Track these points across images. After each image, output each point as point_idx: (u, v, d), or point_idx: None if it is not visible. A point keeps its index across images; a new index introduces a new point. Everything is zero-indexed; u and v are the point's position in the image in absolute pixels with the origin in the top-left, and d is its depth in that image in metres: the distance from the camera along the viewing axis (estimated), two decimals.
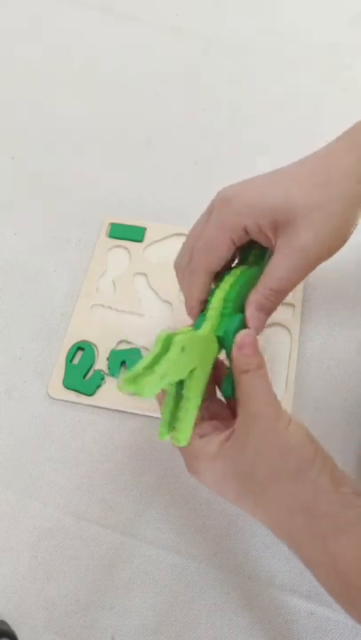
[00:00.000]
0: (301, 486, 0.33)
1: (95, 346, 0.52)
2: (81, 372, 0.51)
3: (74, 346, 0.52)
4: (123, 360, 0.51)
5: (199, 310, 0.40)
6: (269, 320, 0.53)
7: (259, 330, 0.38)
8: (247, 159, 0.63)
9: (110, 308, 0.55)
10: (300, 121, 0.67)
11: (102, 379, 0.51)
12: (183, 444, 0.34)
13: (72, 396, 0.50)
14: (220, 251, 0.38)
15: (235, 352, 0.36)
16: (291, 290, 0.38)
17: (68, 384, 0.50)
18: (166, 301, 0.54)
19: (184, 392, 0.35)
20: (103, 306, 0.55)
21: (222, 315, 0.38)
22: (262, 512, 0.35)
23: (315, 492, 0.33)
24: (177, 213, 0.60)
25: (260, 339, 0.52)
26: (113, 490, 0.46)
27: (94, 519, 0.45)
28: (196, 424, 0.35)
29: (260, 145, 0.65)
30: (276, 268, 0.37)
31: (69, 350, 0.52)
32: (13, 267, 0.58)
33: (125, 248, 0.58)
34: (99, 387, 0.50)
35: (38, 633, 0.42)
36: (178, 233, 0.58)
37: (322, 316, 0.54)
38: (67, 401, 0.50)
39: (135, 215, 0.60)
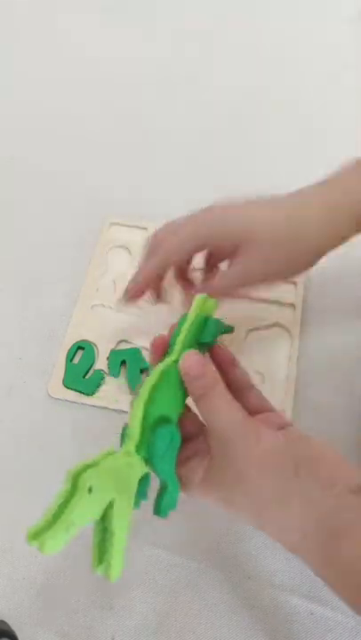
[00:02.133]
0: (288, 506, 0.32)
1: (95, 345, 0.52)
2: (81, 371, 0.51)
3: (74, 345, 0.52)
4: (123, 360, 0.51)
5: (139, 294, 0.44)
6: (270, 320, 0.53)
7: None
8: (247, 159, 0.63)
9: (110, 307, 0.55)
10: (301, 121, 0.67)
11: (102, 378, 0.51)
12: (114, 580, 0.31)
13: (72, 395, 0.50)
14: (181, 254, 0.43)
15: (184, 379, 0.34)
16: (227, 293, 0.43)
17: (68, 383, 0.50)
18: (167, 302, 0.54)
19: (107, 526, 0.31)
20: (103, 306, 0.55)
21: (144, 430, 0.33)
22: (261, 529, 0.34)
23: (305, 505, 0.31)
24: (177, 213, 0.59)
25: (259, 339, 0.53)
26: None
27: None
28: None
29: (260, 145, 0.65)
30: (222, 277, 0.43)
31: (69, 350, 0.52)
32: (13, 267, 0.58)
33: (126, 248, 0.58)
34: (99, 386, 0.50)
35: (38, 633, 0.42)
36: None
37: (322, 317, 0.54)
38: (67, 401, 0.50)
39: (135, 215, 0.60)
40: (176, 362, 0.34)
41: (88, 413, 0.49)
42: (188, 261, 0.45)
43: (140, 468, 0.33)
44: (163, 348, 0.36)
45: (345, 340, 0.53)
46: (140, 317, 0.54)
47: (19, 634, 0.41)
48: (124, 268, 0.57)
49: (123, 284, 0.55)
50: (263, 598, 0.42)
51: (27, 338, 0.54)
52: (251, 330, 0.53)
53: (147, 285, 0.45)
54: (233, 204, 0.43)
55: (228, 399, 0.33)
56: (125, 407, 0.49)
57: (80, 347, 0.52)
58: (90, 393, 0.50)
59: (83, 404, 0.50)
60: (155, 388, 0.33)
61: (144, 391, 0.33)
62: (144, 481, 0.33)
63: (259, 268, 0.42)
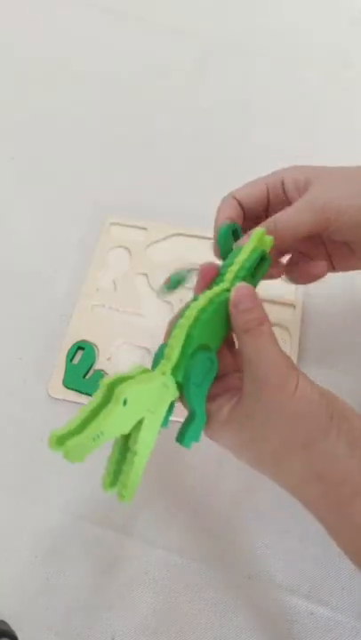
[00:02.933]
0: (314, 456, 0.31)
1: (95, 346, 0.52)
2: (81, 371, 0.51)
3: (74, 345, 0.52)
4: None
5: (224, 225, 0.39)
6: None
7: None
8: (247, 159, 0.63)
9: (111, 308, 0.55)
10: (301, 121, 0.67)
11: (102, 378, 0.50)
12: (128, 501, 0.31)
13: (72, 395, 0.50)
14: (252, 188, 0.40)
15: (232, 311, 0.33)
16: (288, 233, 0.38)
17: (68, 383, 0.50)
18: (167, 301, 0.54)
19: (130, 445, 0.30)
20: (104, 306, 0.55)
21: (184, 353, 0.32)
22: (279, 479, 0.33)
23: (329, 460, 0.31)
24: (177, 213, 0.60)
25: None
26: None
27: (94, 519, 0.45)
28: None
29: (260, 145, 0.65)
30: (286, 208, 0.38)
31: (69, 350, 0.52)
32: (13, 267, 0.58)
33: (126, 248, 0.58)
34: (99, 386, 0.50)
35: (38, 633, 0.42)
36: (178, 233, 0.58)
37: (322, 317, 0.54)
38: (67, 401, 0.50)
39: (135, 215, 0.60)
40: (227, 291, 0.34)
41: None
42: (260, 210, 0.42)
43: (174, 392, 0.32)
44: (212, 275, 0.36)
45: (345, 341, 0.53)
46: (140, 317, 0.54)
47: (19, 634, 0.41)
48: (125, 268, 0.57)
49: (123, 285, 0.56)
50: (263, 598, 0.42)
51: (27, 338, 0.54)
52: None
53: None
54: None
55: (273, 340, 0.33)
56: None
57: (80, 347, 0.52)
58: (90, 393, 0.50)
59: (83, 403, 0.50)
60: (201, 313, 0.32)
61: (190, 313, 0.32)
62: (170, 407, 0.33)
63: (330, 192, 0.38)
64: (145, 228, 0.59)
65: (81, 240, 0.59)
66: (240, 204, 0.41)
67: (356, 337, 0.53)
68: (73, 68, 0.73)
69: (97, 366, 0.51)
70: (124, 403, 0.28)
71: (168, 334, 0.34)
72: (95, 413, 0.28)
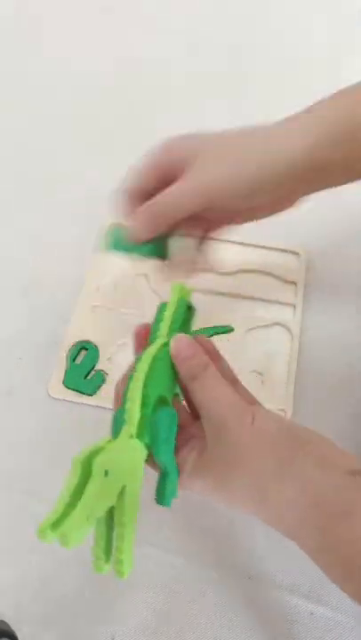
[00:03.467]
0: (287, 484, 0.31)
1: (96, 346, 0.52)
2: (83, 371, 0.51)
3: (77, 345, 0.52)
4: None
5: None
6: (270, 320, 0.53)
7: (141, 234, 0.39)
8: None
9: (111, 308, 0.55)
10: None
11: (103, 379, 0.51)
12: (126, 576, 0.30)
13: (72, 395, 0.50)
14: (143, 179, 0.41)
15: (175, 361, 0.34)
16: (168, 215, 0.39)
17: (69, 383, 0.50)
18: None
19: (116, 518, 0.30)
20: (104, 306, 0.55)
21: (144, 414, 0.32)
22: (258, 515, 0.33)
23: (302, 484, 0.31)
24: None
25: (259, 338, 0.53)
26: None
27: None
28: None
29: None
30: (164, 192, 0.39)
31: (72, 350, 0.52)
32: (13, 267, 0.58)
33: None
34: (99, 387, 0.50)
35: (38, 633, 0.42)
36: (178, 233, 0.58)
37: (322, 317, 0.54)
38: (67, 401, 0.50)
39: None
40: (166, 344, 0.34)
41: (88, 413, 0.49)
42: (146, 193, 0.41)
43: (144, 453, 0.31)
44: (145, 336, 0.37)
45: (345, 341, 0.52)
46: (140, 318, 0.54)
47: (19, 634, 0.41)
48: (125, 268, 0.57)
49: (123, 285, 0.56)
50: (263, 598, 0.42)
51: (27, 338, 0.54)
52: (250, 329, 0.53)
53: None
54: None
55: (220, 380, 0.33)
56: None
57: (83, 347, 0.52)
58: (90, 393, 0.50)
59: (83, 403, 0.50)
60: (149, 370, 0.32)
61: (139, 375, 0.32)
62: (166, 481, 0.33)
63: (209, 171, 0.38)
64: None
65: (81, 240, 0.59)
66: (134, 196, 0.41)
67: (356, 338, 0.53)
68: (73, 68, 0.73)
69: (97, 367, 0.51)
70: (106, 474, 0.28)
71: (117, 399, 0.34)
72: (77, 494, 0.28)
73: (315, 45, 0.74)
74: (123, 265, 0.57)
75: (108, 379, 0.51)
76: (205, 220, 0.42)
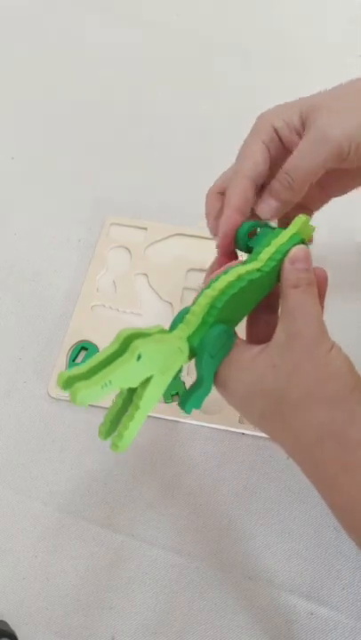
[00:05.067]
0: (337, 413, 0.31)
1: (97, 346, 0.52)
2: None
3: (77, 346, 0.52)
4: None
5: (239, 222, 0.37)
6: None
7: (268, 217, 0.37)
8: None
9: (111, 308, 0.55)
10: None
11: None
12: (121, 451, 0.31)
13: None
14: (255, 155, 0.37)
15: (286, 265, 0.33)
16: (308, 179, 0.36)
17: None
18: (167, 302, 0.54)
19: (135, 399, 0.31)
20: (104, 306, 0.55)
21: (204, 322, 0.32)
22: (288, 436, 0.33)
23: (351, 421, 0.31)
24: (177, 213, 0.60)
25: None
26: (113, 490, 0.46)
27: (94, 519, 0.45)
28: None
29: None
30: (296, 153, 0.36)
31: (73, 350, 0.52)
32: (13, 267, 0.58)
33: (126, 248, 0.58)
34: None
35: (38, 633, 0.42)
36: (178, 233, 0.58)
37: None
38: (67, 401, 0.50)
39: (135, 215, 0.60)
40: (259, 271, 0.34)
41: (88, 414, 0.49)
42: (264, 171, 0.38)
43: (186, 357, 0.32)
44: (231, 247, 0.37)
45: (345, 342, 0.52)
46: (140, 318, 0.54)
47: (18, 634, 0.41)
48: (125, 268, 0.57)
49: (123, 285, 0.56)
50: (263, 598, 0.42)
51: (27, 338, 0.54)
52: None
53: (240, 217, 0.38)
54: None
55: (317, 302, 0.33)
56: None
57: (83, 347, 0.52)
58: None
59: None
60: (229, 287, 0.32)
61: (218, 285, 0.32)
62: (177, 374, 0.33)
63: (337, 125, 0.35)
64: (145, 228, 0.59)
65: (81, 240, 0.59)
66: (251, 183, 0.37)
67: (356, 338, 0.53)
68: (73, 68, 0.73)
69: None
70: (138, 358, 0.29)
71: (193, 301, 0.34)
72: (107, 362, 0.29)
73: (315, 45, 0.73)
74: (123, 265, 0.57)
75: None
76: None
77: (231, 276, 0.33)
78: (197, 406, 0.34)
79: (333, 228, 0.55)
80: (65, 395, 0.50)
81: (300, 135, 0.37)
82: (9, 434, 0.49)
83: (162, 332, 0.32)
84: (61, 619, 0.42)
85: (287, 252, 0.35)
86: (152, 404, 0.31)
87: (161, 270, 0.56)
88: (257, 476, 0.46)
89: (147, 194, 0.62)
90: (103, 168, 0.65)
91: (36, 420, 0.50)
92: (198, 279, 0.55)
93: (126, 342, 0.29)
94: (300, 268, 0.33)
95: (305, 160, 0.36)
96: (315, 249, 0.37)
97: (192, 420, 0.48)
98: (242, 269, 0.33)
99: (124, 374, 0.29)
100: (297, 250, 0.34)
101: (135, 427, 0.31)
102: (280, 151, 0.38)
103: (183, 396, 0.34)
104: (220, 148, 0.66)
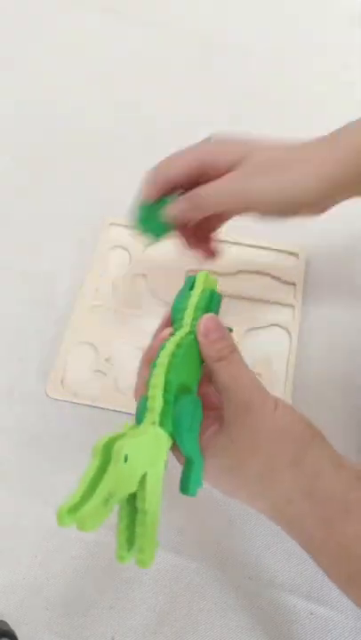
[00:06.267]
0: (301, 471, 0.32)
1: (95, 346, 0.52)
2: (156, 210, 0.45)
3: None
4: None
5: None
6: (269, 321, 0.53)
7: (180, 217, 0.42)
8: None
9: (110, 308, 0.55)
10: (301, 121, 0.67)
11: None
12: (149, 566, 0.29)
13: (70, 395, 0.50)
14: (183, 166, 0.42)
15: (201, 341, 0.33)
16: (209, 209, 0.42)
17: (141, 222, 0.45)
18: (166, 302, 0.54)
19: (139, 505, 0.29)
20: (103, 306, 0.55)
21: (166, 402, 0.31)
22: (261, 502, 0.33)
23: (316, 475, 0.32)
24: None
25: (258, 339, 0.53)
26: None
27: None
28: None
29: None
30: (217, 184, 0.41)
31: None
32: (13, 267, 0.58)
33: (125, 249, 0.58)
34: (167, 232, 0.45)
35: (38, 633, 0.42)
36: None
37: (321, 318, 0.54)
38: (65, 401, 0.50)
39: None
40: (190, 333, 0.34)
41: (88, 413, 0.49)
42: (184, 184, 0.43)
43: (167, 441, 0.31)
44: (167, 324, 0.37)
45: (345, 342, 0.53)
46: (139, 318, 0.54)
47: (19, 634, 0.41)
48: (124, 268, 0.57)
49: (122, 285, 0.56)
50: (263, 598, 0.42)
51: (26, 338, 0.54)
52: (250, 330, 0.53)
53: (153, 189, 0.44)
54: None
55: (246, 366, 0.33)
56: (125, 408, 0.49)
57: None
58: (157, 234, 0.45)
59: (82, 404, 0.50)
60: (173, 357, 0.32)
61: (162, 360, 0.32)
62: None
63: (253, 181, 0.40)
64: None
65: (81, 240, 0.59)
66: (166, 181, 0.43)
67: (356, 339, 0.53)
68: (73, 68, 0.73)
69: (96, 367, 0.51)
70: (125, 459, 0.28)
71: (139, 387, 0.34)
72: (96, 480, 0.28)
73: (315, 45, 0.73)
74: (122, 265, 0.57)
75: (107, 379, 0.51)
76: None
77: (170, 347, 0.32)
78: (200, 484, 0.33)
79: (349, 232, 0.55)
80: (64, 395, 0.50)
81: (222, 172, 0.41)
82: (8, 434, 0.49)
83: (132, 428, 0.31)
84: (61, 619, 0.42)
85: (205, 307, 0.36)
86: (158, 503, 0.30)
87: (160, 271, 0.56)
88: None
89: None
90: (103, 168, 0.65)
91: (36, 420, 0.50)
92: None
93: (105, 451, 0.29)
94: (215, 338, 0.33)
95: (211, 194, 0.41)
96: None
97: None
98: (176, 337, 0.33)
99: (120, 481, 0.28)
100: (205, 321, 0.34)
101: (153, 533, 0.29)
102: (210, 174, 0.42)
103: (182, 482, 0.33)
104: None
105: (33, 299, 0.56)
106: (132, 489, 0.29)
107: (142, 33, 0.76)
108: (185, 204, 0.42)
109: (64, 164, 0.65)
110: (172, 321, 0.37)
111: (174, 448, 0.33)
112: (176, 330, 0.35)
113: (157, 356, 0.33)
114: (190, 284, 0.38)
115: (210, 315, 0.35)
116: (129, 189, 0.63)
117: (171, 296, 0.54)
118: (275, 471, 0.32)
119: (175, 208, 0.43)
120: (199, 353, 0.34)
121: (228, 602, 0.42)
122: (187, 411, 0.32)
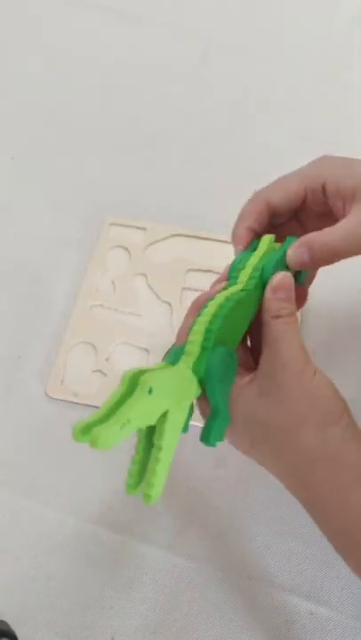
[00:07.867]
0: (328, 436, 0.32)
1: (94, 346, 0.52)
2: None
3: None
4: None
5: (246, 241, 0.38)
6: None
7: (297, 266, 0.36)
8: (247, 159, 0.63)
9: (110, 308, 0.55)
10: (300, 121, 0.67)
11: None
12: (154, 501, 0.29)
13: (70, 395, 0.50)
14: (289, 187, 0.38)
15: (268, 294, 0.34)
16: (338, 256, 0.36)
17: None
18: (166, 302, 0.54)
19: (155, 440, 0.30)
20: (103, 306, 0.55)
21: (204, 348, 0.32)
22: (279, 462, 0.34)
23: (341, 442, 0.32)
24: (177, 213, 0.60)
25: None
26: (113, 490, 0.46)
27: (94, 519, 0.45)
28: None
29: (260, 145, 0.65)
30: (336, 227, 0.36)
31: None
32: (13, 267, 0.58)
33: (125, 248, 0.58)
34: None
35: (38, 633, 0.42)
36: (178, 233, 0.58)
37: (321, 319, 0.54)
38: (65, 401, 0.50)
39: (135, 215, 0.60)
40: (242, 291, 0.34)
41: (88, 414, 0.49)
42: (291, 213, 0.39)
43: (196, 387, 0.31)
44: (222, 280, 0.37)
45: (345, 342, 0.53)
46: (139, 318, 0.54)
47: (19, 634, 0.41)
48: (124, 268, 0.57)
49: (122, 285, 0.56)
50: (263, 598, 0.42)
51: (26, 338, 0.54)
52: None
53: (248, 235, 0.39)
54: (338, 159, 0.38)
55: (298, 331, 0.34)
56: None
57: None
58: None
59: (82, 404, 0.50)
60: (220, 309, 0.33)
61: (209, 310, 0.32)
62: (190, 409, 0.32)
63: None
64: (144, 229, 0.59)
65: (80, 240, 0.59)
66: (269, 208, 0.38)
67: (356, 339, 0.53)
68: (73, 69, 0.73)
69: (96, 367, 0.51)
70: (150, 391, 0.28)
71: (181, 334, 0.35)
72: (119, 404, 0.28)
73: (315, 45, 0.74)
74: (122, 265, 0.57)
75: (107, 379, 0.51)
76: None
77: (219, 299, 0.33)
78: (221, 438, 0.33)
79: None
80: (64, 395, 0.50)
81: (341, 203, 0.37)
82: (8, 434, 0.49)
83: (165, 366, 0.32)
84: (61, 619, 0.42)
85: (262, 268, 0.35)
86: (174, 442, 0.30)
87: (160, 271, 0.56)
88: (257, 475, 0.46)
89: (146, 194, 0.62)
90: (103, 168, 0.65)
91: (36, 420, 0.50)
92: (197, 280, 0.55)
93: (133, 381, 0.29)
94: (281, 297, 0.34)
95: (330, 242, 0.36)
96: None
97: (192, 420, 0.48)
98: (227, 292, 0.34)
99: (140, 410, 0.28)
100: (281, 277, 0.34)
101: (163, 470, 0.30)
102: (319, 202, 0.38)
103: (204, 431, 0.33)
104: (220, 148, 0.66)
105: (32, 298, 0.56)
106: (152, 422, 0.29)
107: (142, 32, 0.76)
108: (304, 250, 0.36)
109: (64, 164, 0.65)
110: (228, 278, 0.37)
111: (202, 399, 0.33)
112: (229, 286, 0.35)
113: (205, 305, 0.33)
114: (254, 247, 0.38)
115: (287, 274, 0.35)
116: (129, 189, 0.63)
117: (170, 296, 0.55)
118: (300, 428, 0.32)
119: (297, 254, 0.36)
120: (248, 311, 0.34)
121: (228, 602, 0.42)
122: (221, 361, 0.32)
